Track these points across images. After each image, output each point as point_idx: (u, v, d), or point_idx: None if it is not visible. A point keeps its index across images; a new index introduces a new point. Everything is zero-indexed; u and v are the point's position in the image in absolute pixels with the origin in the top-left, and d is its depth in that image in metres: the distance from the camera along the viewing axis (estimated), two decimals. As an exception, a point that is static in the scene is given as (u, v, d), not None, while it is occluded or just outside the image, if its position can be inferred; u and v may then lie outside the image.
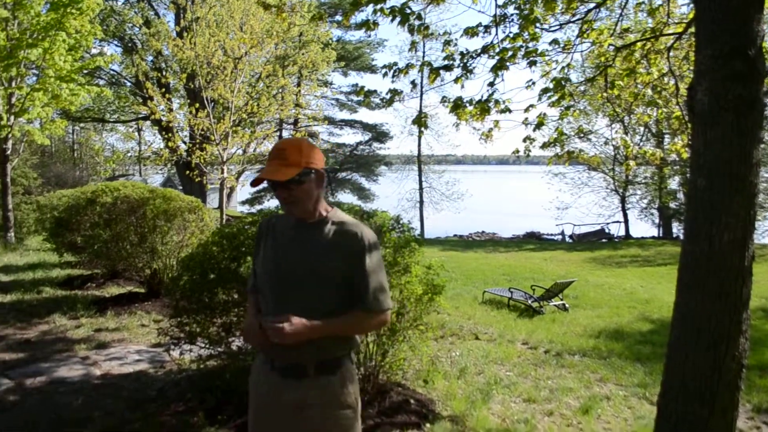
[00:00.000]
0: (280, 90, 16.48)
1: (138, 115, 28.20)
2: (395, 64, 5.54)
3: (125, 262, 8.53)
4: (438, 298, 4.37)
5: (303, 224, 2.40)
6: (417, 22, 5.02)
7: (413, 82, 6.09)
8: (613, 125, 25.03)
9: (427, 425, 4.15)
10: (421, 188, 36.71)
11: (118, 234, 8.10)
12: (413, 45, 5.85)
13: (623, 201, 32.03)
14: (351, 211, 4.40)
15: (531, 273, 15.64)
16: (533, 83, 5.91)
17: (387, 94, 6.10)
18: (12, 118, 13.05)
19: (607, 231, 30.96)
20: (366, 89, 6.36)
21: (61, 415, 4.45)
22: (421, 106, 33.39)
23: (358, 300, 2.31)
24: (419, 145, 36.99)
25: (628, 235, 30.47)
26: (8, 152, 13.66)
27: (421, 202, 36.36)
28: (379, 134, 39.06)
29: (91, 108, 28.16)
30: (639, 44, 5.76)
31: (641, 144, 25.79)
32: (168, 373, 5.33)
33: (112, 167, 20.34)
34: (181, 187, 24.45)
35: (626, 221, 31.68)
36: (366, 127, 39.09)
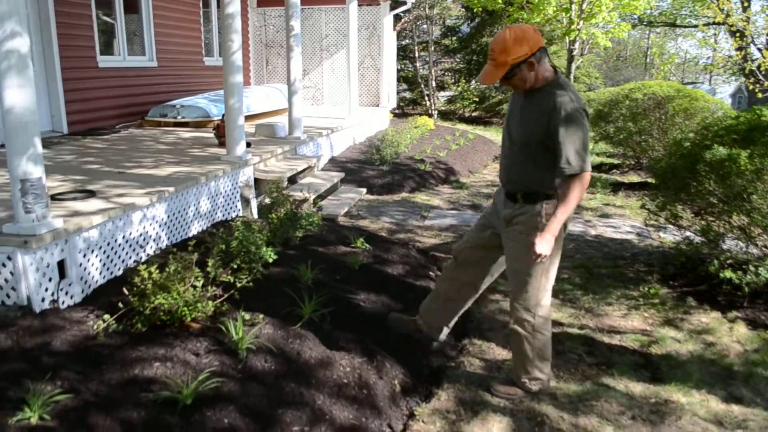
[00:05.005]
0: None
1: (712, 20, 26.85)
2: None
3: (646, 154, 9.43)
4: None
5: (528, 93, 2.96)
6: None
7: None
8: None
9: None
10: None
11: (643, 128, 9.02)
12: None
13: None
14: None
15: None
16: None
17: None
18: (581, 22, 14.90)
19: None
20: None
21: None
22: None
23: (558, 164, 2.78)
24: None
25: None
26: (575, 52, 15.72)
27: None
28: None
29: (664, 12, 28.40)
30: None
31: None
32: (647, 246, 6.21)
33: (665, 72, 20.63)
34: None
35: None
36: None
